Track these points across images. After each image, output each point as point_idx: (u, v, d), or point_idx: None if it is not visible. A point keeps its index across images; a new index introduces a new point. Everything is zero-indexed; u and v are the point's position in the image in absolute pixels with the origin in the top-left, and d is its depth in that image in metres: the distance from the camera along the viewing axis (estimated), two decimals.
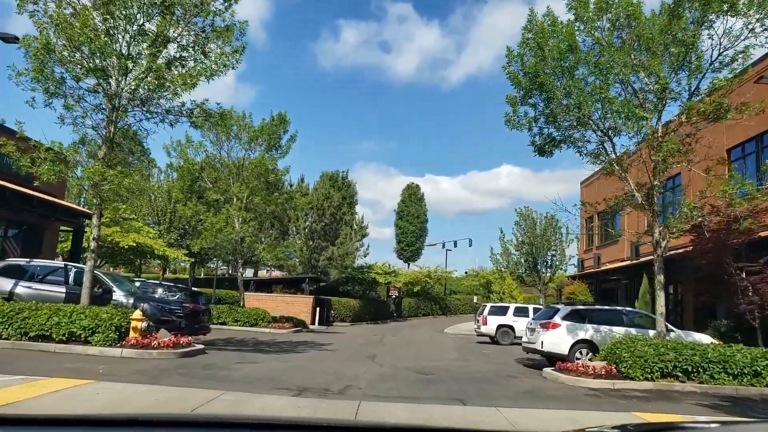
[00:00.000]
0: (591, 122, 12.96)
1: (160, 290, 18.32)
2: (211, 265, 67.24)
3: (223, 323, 26.06)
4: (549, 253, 52.99)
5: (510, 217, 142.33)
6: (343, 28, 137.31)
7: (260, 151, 26.74)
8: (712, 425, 1.96)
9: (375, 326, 39.80)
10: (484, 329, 28.01)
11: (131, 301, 14.78)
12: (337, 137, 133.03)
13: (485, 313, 28.26)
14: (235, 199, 26.57)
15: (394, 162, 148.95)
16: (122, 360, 11.36)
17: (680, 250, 24.70)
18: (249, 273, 51.76)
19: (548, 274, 52.91)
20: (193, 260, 43.97)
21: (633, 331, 14.86)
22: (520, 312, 28.55)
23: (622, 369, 12.05)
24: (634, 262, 27.05)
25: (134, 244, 30.72)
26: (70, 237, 28.46)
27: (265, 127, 26.88)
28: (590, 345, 14.91)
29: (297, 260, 46.75)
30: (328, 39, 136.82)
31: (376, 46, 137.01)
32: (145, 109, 13.10)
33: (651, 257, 26.17)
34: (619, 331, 14.92)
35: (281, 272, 52.59)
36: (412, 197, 67.45)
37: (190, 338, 13.83)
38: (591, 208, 15.08)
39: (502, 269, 54.35)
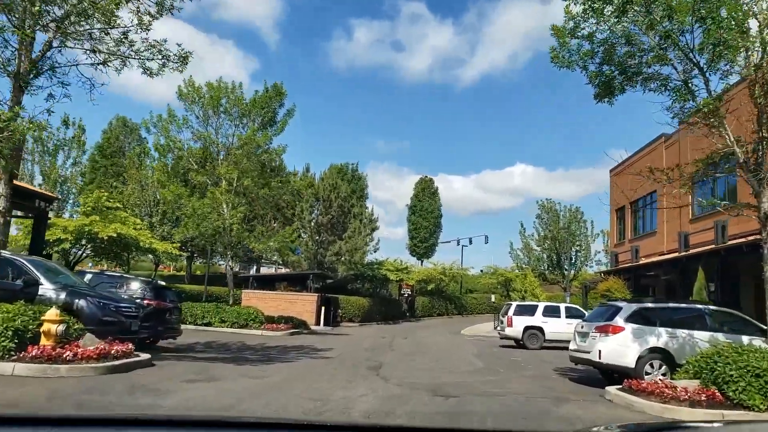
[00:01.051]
0: (678, 48, 9.32)
1: (117, 284, 14.90)
2: (215, 261, 64.20)
3: (209, 324, 22.71)
4: (573, 249, 49.28)
5: (524, 216, 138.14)
6: (355, 27, 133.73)
7: (254, 128, 23.24)
8: (715, 424, 1.91)
9: (386, 327, 36.32)
10: (509, 331, 24.38)
11: (63, 296, 11.40)
12: (350, 136, 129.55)
13: (511, 313, 24.61)
14: (223, 182, 23.18)
15: (406, 161, 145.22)
16: (10, 380, 7.93)
17: (741, 240, 20.95)
18: (259, 270, 48.50)
19: (572, 271, 49.21)
20: (188, 254, 40.77)
21: (720, 336, 11.21)
22: (550, 312, 24.93)
23: (731, 393, 8.42)
24: (685, 254, 23.26)
25: (115, 235, 27.46)
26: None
27: (258, 100, 23.42)
28: (664, 355, 11.25)
29: (302, 255, 43.33)
30: (341, 39, 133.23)
31: (389, 45, 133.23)
32: (61, 31, 9.64)
33: (708, 247, 22.50)
34: (701, 336, 11.28)
35: (289, 269, 49.10)
36: (425, 191, 63.80)
37: (130, 345, 10.36)
38: (663, 176, 11.41)
39: (523, 266, 50.62)
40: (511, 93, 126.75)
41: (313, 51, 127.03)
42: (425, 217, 62.07)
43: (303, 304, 34.26)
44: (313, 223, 43.21)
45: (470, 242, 62.41)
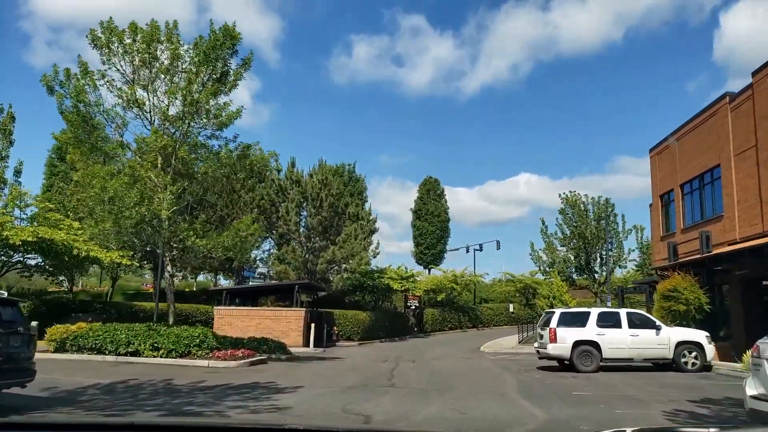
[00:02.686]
0: None
1: None
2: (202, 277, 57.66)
3: (136, 353, 16.25)
4: (605, 247, 42.69)
5: (530, 225, 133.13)
6: (356, 43, 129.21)
7: (191, 76, 16.89)
8: (711, 429, 1.93)
9: (389, 345, 29.87)
10: (552, 349, 17.83)
11: None
12: (352, 151, 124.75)
13: (554, 323, 18.10)
14: (159, 158, 16.93)
15: (410, 175, 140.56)
16: None
17: None
18: (243, 284, 42.03)
19: (604, 273, 42.53)
20: (150, 266, 34.46)
21: None
22: (607, 320, 18.44)
23: None
24: None
25: (33, 240, 21.15)
26: None
27: (201, 46, 17.18)
28: None
29: (290, 264, 36.95)
30: (341, 55, 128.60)
31: (390, 60, 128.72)
32: None
33: None
34: None
35: (276, 281, 42.60)
36: (431, 193, 57.37)
37: None
38: None
39: (547, 269, 44.03)
40: (512, 103, 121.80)
41: (314, 68, 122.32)
42: (431, 222, 55.62)
43: (288, 322, 28.08)
44: (301, 227, 36.95)
45: (480, 248, 55.37)
